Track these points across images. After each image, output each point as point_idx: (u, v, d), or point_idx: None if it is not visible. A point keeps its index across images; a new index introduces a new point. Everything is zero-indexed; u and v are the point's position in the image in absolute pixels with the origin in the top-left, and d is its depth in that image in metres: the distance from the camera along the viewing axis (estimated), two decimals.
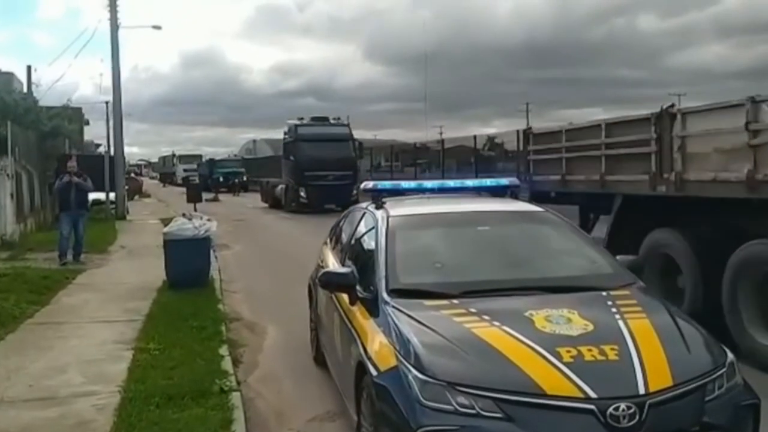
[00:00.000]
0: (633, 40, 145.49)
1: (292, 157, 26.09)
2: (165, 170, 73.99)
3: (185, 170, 55.95)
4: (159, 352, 6.32)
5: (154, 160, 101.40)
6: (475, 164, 24.70)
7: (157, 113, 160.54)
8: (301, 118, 27.12)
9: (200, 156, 63.30)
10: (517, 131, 22.41)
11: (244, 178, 45.03)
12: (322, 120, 27.18)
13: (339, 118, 27.67)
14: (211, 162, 51.72)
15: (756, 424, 3.52)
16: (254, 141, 62.40)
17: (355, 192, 21.75)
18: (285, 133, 27.62)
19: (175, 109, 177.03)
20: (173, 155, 68.96)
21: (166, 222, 13.42)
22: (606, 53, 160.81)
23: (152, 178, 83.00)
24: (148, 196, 41.12)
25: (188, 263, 9.46)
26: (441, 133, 43.47)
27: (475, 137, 25.35)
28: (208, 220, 10.39)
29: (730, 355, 3.64)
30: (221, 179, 46.38)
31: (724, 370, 3.48)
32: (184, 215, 10.99)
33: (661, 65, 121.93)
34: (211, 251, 10.67)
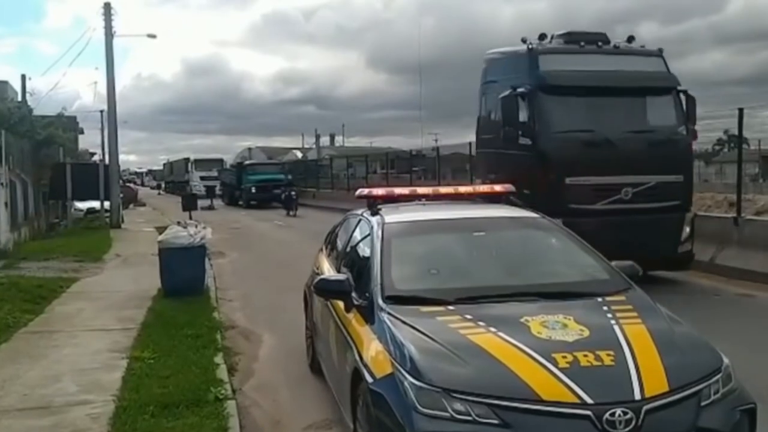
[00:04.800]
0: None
1: (527, 140, 10.05)
2: (173, 178, 60.86)
3: (203, 178, 46.06)
4: (154, 360, 6.29)
5: (157, 167, 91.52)
6: (471, 171, 24.74)
7: (157, 121, 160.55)
8: (548, 35, 10.69)
9: (221, 161, 51.58)
10: None
11: (293, 193, 30.20)
12: (591, 37, 10.59)
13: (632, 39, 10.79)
14: (240, 168, 39.22)
15: (752, 429, 3.51)
16: (249, 149, 59.24)
17: (688, 231, 10.18)
18: (486, 81, 11.61)
19: (175, 118, 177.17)
20: (187, 160, 54.00)
21: (161, 230, 13.40)
22: None
23: (154, 187, 74.56)
24: (144, 204, 41.00)
25: (183, 271, 9.43)
26: (436, 141, 43.53)
27: (470, 144, 25.35)
28: (203, 228, 10.37)
29: (726, 360, 3.63)
30: (254, 189, 35.45)
31: (720, 375, 3.48)
32: (179, 223, 10.98)
33: None
34: (207, 259, 10.65)
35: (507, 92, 10.12)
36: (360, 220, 5.41)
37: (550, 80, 9.86)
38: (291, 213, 28.56)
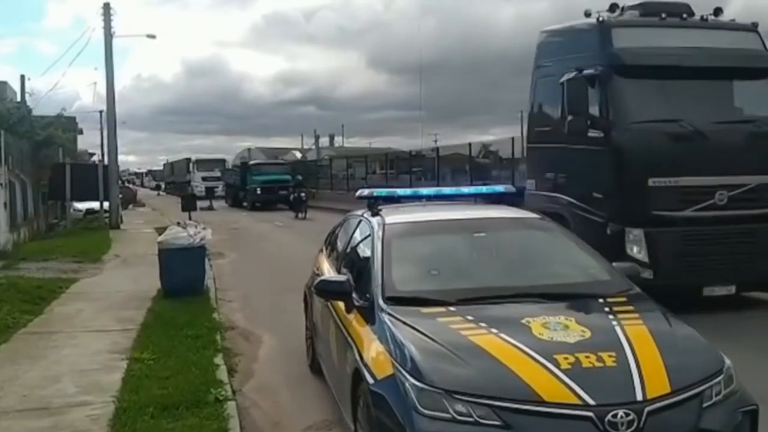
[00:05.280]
0: None
1: (598, 132, 8.31)
2: (174, 179, 59.58)
3: (205, 179, 45.12)
4: (153, 361, 6.27)
5: (157, 167, 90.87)
6: (470, 172, 24.77)
7: (157, 122, 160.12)
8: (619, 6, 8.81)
9: (223, 161, 50.90)
10: (512, 139, 22.59)
11: (303, 194, 28.35)
12: (673, 8, 8.79)
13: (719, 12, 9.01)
14: (244, 168, 37.76)
15: (754, 430, 3.50)
16: (249, 149, 58.57)
17: None
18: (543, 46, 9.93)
19: (175, 118, 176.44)
20: (188, 161, 52.97)
21: (160, 231, 13.40)
22: None
23: (154, 188, 73.44)
24: (143, 205, 40.97)
25: (183, 272, 9.42)
26: (436, 141, 43.56)
27: (470, 145, 25.44)
28: (203, 228, 10.36)
29: (728, 361, 3.62)
30: (259, 191, 34.27)
31: (722, 376, 3.47)
32: (178, 224, 10.96)
33: None
34: (206, 260, 10.64)
35: (572, 75, 8.45)
36: (360, 221, 5.39)
37: (627, 59, 8.12)
38: (300, 215, 26.65)
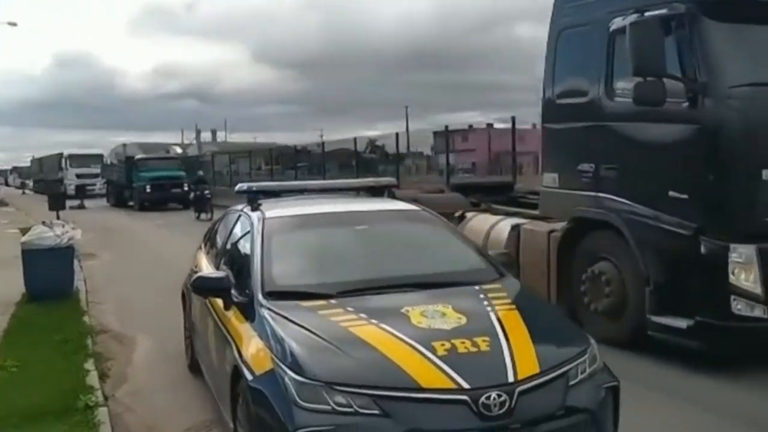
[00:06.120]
0: (511, 47, 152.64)
1: (680, 101, 5.71)
2: (43, 176, 52.46)
3: (80, 176, 41.30)
4: (17, 369, 5.88)
5: (24, 164, 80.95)
6: (356, 167, 24.92)
7: (23, 116, 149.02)
8: None
9: (100, 156, 43.86)
10: (396, 134, 22.96)
11: (207, 192, 24.84)
12: None
13: None
14: (130, 163, 32.88)
15: (616, 405, 3.73)
16: (124, 145, 54.27)
17: None
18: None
19: (45, 112, 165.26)
20: (60, 156, 46.41)
21: (25, 231, 12.48)
22: (486, 59, 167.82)
23: (19, 187, 65.90)
24: (6, 204, 37.98)
25: (50, 274, 8.84)
26: (321, 136, 43.50)
27: (355, 139, 25.55)
28: (72, 228, 9.77)
29: (592, 341, 3.85)
30: (148, 188, 29.81)
31: (586, 356, 3.67)
32: (44, 223, 10.27)
33: (539, 71, 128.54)
34: (76, 261, 10.05)
35: (635, 18, 5.88)
36: (240, 216, 5.28)
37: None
38: (204, 216, 22.68)
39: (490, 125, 42.75)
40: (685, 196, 5.72)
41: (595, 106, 6.69)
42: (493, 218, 8.46)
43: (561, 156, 7.37)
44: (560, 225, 7.08)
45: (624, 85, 6.23)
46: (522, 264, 7.16)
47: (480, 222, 8.57)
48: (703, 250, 5.55)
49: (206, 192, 24.78)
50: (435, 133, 32.27)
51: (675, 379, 5.61)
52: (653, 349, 6.01)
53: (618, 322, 6.38)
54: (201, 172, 29.20)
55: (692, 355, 5.71)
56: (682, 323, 5.69)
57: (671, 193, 5.82)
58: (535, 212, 8.08)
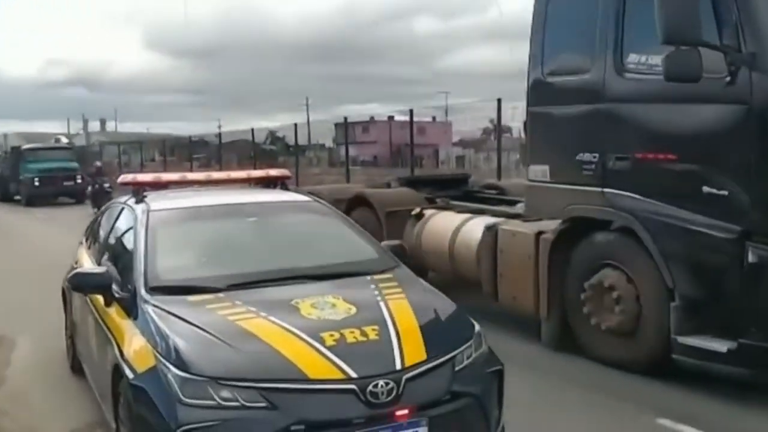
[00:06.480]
0: (410, 41, 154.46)
1: (729, 69, 4.72)
2: None
3: None
4: None
5: None
6: (255, 158, 24.53)
7: None
8: None
9: None
10: (294, 125, 22.77)
11: (107, 185, 22.51)
12: None
13: None
14: (17, 154, 29.51)
15: (501, 387, 3.86)
16: (5, 135, 50.93)
17: None
18: None
19: None
20: None
21: None
22: (384, 52, 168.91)
23: None
24: None
25: None
26: (219, 127, 42.51)
27: (252, 130, 25.14)
28: None
29: (477, 327, 3.96)
30: (37, 182, 26.83)
31: (472, 341, 3.78)
32: None
33: (436, 65, 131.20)
34: None
35: None
36: (123, 209, 5.07)
37: None
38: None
39: (391, 117, 43.37)
40: (724, 193, 4.79)
41: (600, 84, 5.61)
42: (458, 217, 7.49)
43: (553, 145, 6.28)
44: (549, 225, 6.02)
45: (638, 58, 5.33)
46: (501, 272, 6.40)
47: (443, 222, 7.64)
48: (750, 257, 4.64)
49: (106, 185, 22.78)
50: (336, 125, 32.33)
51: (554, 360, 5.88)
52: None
53: (631, 342, 5.39)
54: (99, 163, 27.31)
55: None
56: (720, 346, 4.75)
57: (706, 189, 4.87)
58: (506, 209, 7.34)
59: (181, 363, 3.28)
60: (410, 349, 3.51)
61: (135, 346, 3.60)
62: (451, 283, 7.01)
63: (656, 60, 5.03)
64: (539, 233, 6.01)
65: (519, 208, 7.32)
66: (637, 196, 5.34)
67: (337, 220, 5.15)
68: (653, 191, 5.23)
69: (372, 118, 45.49)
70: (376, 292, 4.07)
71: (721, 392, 4.94)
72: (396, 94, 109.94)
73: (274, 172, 5.86)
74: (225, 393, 3.16)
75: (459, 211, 7.70)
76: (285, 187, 5.71)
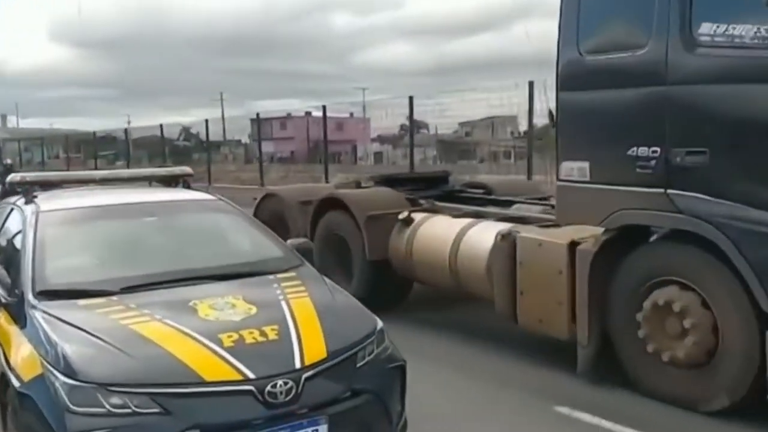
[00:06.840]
0: (327, 37, 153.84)
1: None
2: None
3: None
4: None
5: None
6: (166, 155, 23.85)
7: None
8: None
9: None
10: (206, 120, 22.29)
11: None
12: None
13: None
14: None
15: (403, 383, 3.91)
16: None
17: None
18: None
19: None
20: None
21: None
22: (301, 48, 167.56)
23: None
24: None
25: None
26: (129, 122, 41.06)
27: (161, 126, 24.36)
28: None
29: (380, 323, 3.99)
30: None
31: (373, 337, 3.80)
32: None
33: (351, 61, 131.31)
34: None
35: None
36: (12, 210, 4.82)
37: None
38: None
39: (308, 113, 43.03)
40: None
41: (661, 62, 4.61)
42: (457, 223, 6.45)
43: (594, 137, 5.17)
44: (580, 232, 5.18)
45: (714, 28, 4.34)
46: (522, 290, 5.40)
47: (439, 227, 6.59)
48: None
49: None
50: (252, 121, 31.76)
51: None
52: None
53: (705, 377, 4.52)
54: (9, 161, 25.74)
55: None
56: None
57: None
58: (508, 212, 6.53)
59: (68, 370, 3.17)
60: (311, 348, 3.51)
61: (22, 353, 3.45)
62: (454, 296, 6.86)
63: (741, 29, 4.13)
64: (573, 244, 5.08)
65: (516, 209, 6.66)
66: (714, 199, 4.39)
67: (241, 219, 5.07)
68: (736, 192, 4.31)
69: (289, 114, 45.00)
70: (279, 291, 4.05)
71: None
72: (314, 89, 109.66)
73: (175, 170, 5.73)
74: (115, 399, 3.08)
75: (456, 216, 6.65)
76: (187, 186, 5.59)
